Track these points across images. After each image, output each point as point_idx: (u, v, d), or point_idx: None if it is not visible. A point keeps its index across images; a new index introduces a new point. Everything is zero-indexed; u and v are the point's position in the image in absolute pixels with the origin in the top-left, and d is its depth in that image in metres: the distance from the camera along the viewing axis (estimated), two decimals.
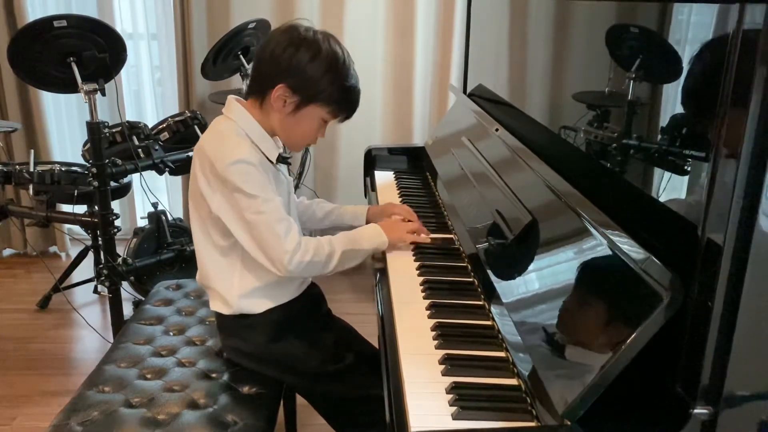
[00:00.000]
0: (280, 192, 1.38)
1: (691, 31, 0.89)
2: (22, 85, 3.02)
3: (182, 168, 2.65)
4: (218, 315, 1.45)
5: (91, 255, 2.88)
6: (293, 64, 1.30)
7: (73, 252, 3.12)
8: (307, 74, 1.31)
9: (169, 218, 2.72)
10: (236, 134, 1.34)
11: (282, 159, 1.42)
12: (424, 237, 1.51)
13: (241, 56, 2.73)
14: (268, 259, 1.31)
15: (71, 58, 2.21)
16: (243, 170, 1.28)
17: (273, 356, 1.42)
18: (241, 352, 1.44)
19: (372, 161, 2.19)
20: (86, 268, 2.97)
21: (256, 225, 1.29)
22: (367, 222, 1.65)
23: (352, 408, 1.45)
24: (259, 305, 1.40)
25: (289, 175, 1.52)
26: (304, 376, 1.47)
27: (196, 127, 2.72)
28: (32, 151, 2.58)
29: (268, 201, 1.29)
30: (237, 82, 2.98)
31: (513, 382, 1.03)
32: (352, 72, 1.37)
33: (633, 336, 0.81)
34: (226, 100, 1.40)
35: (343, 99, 1.37)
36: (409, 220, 1.58)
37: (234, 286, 1.39)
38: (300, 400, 1.79)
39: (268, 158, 1.37)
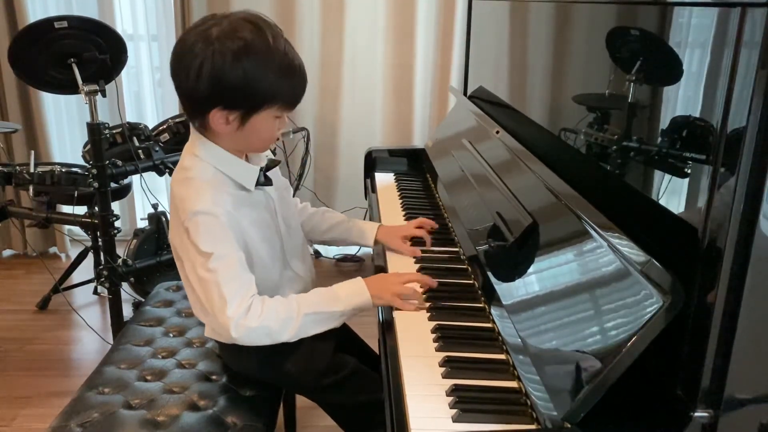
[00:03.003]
0: (256, 215, 1.30)
1: (691, 34, 0.89)
2: (23, 86, 3.02)
3: None
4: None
5: (91, 256, 2.88)
6: (215, 81, 1.13)
7: (73, 253, 3.12)
8: (235, 85, 1.14)
9: (169, 219, 2.72)
10: (200, 176, 1.22)
11: (264, 181, 1.31)
12: (419, 301, 1.26)
13: None
14: (215, 320, 1.19)
15: (72, 59, 2.22)
16: (201, 222, 1.18)
17: (271, 376, 1.41)
18: (239, 368, 1.43)
19: (372, 163, 2.19)
20: (86, 269, 2.97)
21: (206, 283, 1.18)
22: (376, 242, 1.55)
23: (355, 412, 1.44)
24: None
25: (287, 177, 1.47)
26: (303, 390, 1.46)
27: None
28: (32, 152, 2.58)
29: (222, 258, 1.18)
30: None
31: (513, 384, 1.03)
32: (282, 51, 1.17)
33: (633, 339, 0.81)
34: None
35: (286, 90, 1.20)
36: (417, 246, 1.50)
37: None
38: (299, 401, 1.79)
39: (244, 186, 1.27)
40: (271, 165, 1.37)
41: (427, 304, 1.27)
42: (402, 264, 1.46)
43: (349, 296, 1.26)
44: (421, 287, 1.30)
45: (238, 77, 1.13)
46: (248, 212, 1.28)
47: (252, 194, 1.30)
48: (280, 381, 1.44)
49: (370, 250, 1.63)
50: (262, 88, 1.16)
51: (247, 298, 1.19)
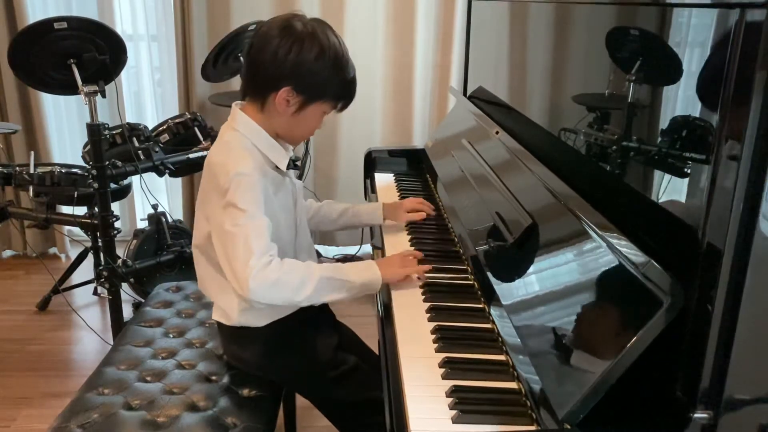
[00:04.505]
0: (284, 199, 1.37)
1: (691, 33, 0.89)
2: (23, 86, 3.02)
3: (182, 170, 2.65)
4: (219, 323, 1.44)
5: (90, 256, 2.88)
6: (297, 65, 1.27)
7: (73, 253, 3.12)
8: (313, 74, 1.29)
9: (169, 220, 2.72)
10: (242, 146, 1.31)
11: (292, 165, 1.40)
12: (420, 268, 1.37)
13: (242, 58, 2.73)
14: (233, 272, 1.21)
15: (71, 60, 2.22)
16: (242, 182, 1.24)
17: (273, 366, 1.42)
18: (241, 359, 1.44)
19: (372, 163, 2.19)
20: (86, 270, 2.97)
21: (233, 236, 1.22)
22: (384, 219, 1.67)
23: (354, 411, 1.44)
24: (260, 319, 1.37)
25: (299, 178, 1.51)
26: (304, 384, 1.47)
27: (196, 128, 2.71)
28: (32, 152, 2.58)
29: (253, 217, 1.23)
30: (237, 83, 2.98)
31: (513, 385, 1.03)
32: (351, 62, 1.35)
33: (633, 340, 0.81)
34: (230, 105, 1.37)
35: (346, 92, 1.36)
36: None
37: (234, 301, 1.35)
38: (299, 402, 1.79)
39: (277, 167, 1.35)
40: (293, 159, 1.41)
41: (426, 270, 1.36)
42: (398, 248, 1.46)
43: (360, 270, 1.34)
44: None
45: (317, 70, 1.29)
46: (277, 193, 1.35)
47: (282, 178, 1.37)
48: (280, 376, 1.44)
49: (370, 250, 1.67)
50: (330, 86, 1.32)
51: (269, 255, 1.23)
